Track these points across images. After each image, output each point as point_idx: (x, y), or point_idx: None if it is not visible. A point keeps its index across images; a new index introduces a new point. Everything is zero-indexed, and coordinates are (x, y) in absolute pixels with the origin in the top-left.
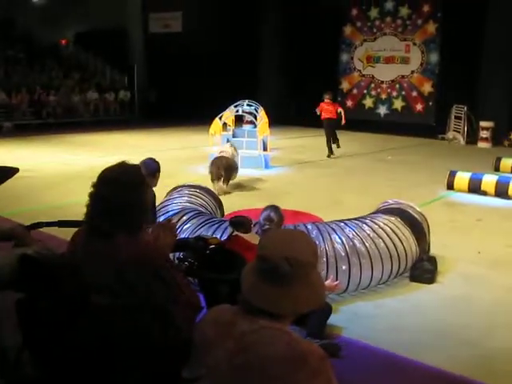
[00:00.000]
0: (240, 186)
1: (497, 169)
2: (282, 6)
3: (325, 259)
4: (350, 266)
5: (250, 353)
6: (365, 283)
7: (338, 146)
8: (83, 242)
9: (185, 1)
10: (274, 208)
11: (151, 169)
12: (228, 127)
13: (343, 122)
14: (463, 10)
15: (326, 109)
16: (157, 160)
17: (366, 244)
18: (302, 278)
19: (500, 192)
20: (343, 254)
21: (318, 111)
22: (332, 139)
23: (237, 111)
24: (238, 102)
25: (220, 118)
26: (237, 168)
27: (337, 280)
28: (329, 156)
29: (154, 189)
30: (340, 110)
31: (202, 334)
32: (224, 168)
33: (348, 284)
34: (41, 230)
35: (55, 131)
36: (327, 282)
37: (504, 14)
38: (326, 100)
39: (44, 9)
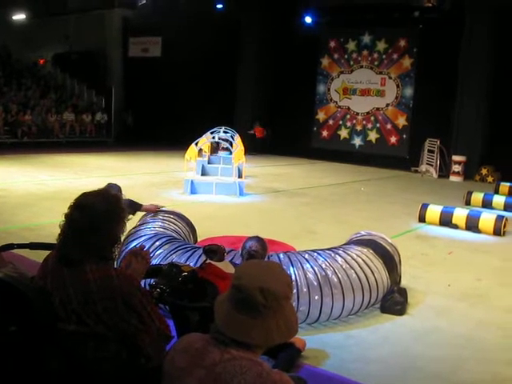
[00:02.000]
0: (214, 213)
1: (468, 203)
2: (260, 35)
3: (295, 290)
4: (322, 295)
5: (220, 383)
6: (336, 313)
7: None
8: (52, 266)
9: (164, 27)
10: (258, 239)
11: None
12: (204, 153)
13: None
14: (438, 47)
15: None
16: (118, 185)
17: (339, 274)
18: (275, 309)
19: (470, 226)
20: (315, 283)
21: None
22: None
23: (213, 138)
24: (215, 129)
25: (196, 144)
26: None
27: (309, 310)
28: None
29: None
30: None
31: (172, 363)
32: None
33: (320, 314)
34: (12, 251)
35: (30, 151)
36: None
37: (477, 50)
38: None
39: (23, 28)
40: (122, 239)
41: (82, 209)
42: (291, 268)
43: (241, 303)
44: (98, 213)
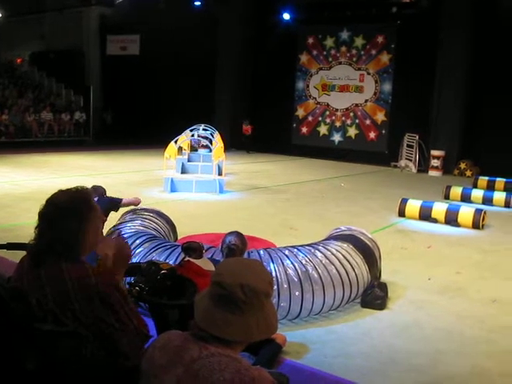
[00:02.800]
0: (194, 211)
1: (447, 197)
2: (238, 32)
3: (276, 287)
4: (302, 291)
5: (198, 379)
6: (317, 309)
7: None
8: (28, 266)
9: (142, 24)
10: (237, 234)
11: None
12: (183, 151)
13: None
14: (416, 42)
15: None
16: (102, 187)
17: (319, 270)
18: (255, 306)
19: (450, 219)
20: (296, 279)
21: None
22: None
23: (192, 135)
24: (194, 126)
25: (175, 142)
26: None
27: (290, 306)
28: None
29: None
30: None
31: (151, 360)
32: None
33: (300, 310)
34: None
35: (7, 151)
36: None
37: (455, 46)
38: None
39: (0, 26)
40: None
41: (53, 206)
42: (271, 264)
43: (221, 299)
44: (60, 208)
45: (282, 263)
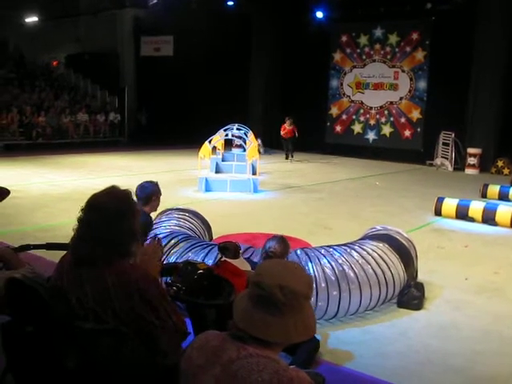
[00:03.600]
0: (229, 210)
1: (484, 195)
2: (271, 32)
3: (314, 285)
4: (340, 291)
5: (237, 380)
6: (353, 309)
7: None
8: (68, 266)
9: (176, 25)
10: (279, 239)
11: (148, 192)
12: (217, 151)
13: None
14: (451, 38)
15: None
16: (156, 183)
17: (355, 269)
18: (294, 308)
19: (487, 218)
20: (333, 278)
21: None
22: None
23: (226, 135)
24: (228, 126)
25: (210, 142)
26: None
27: (328, 305)
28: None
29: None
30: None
31: (189, 360)
32: None
33: (338, 309)
34: (29, 251)
35: (45, 152)
36: None
37: (491, 42)
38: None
39: (36, 30)
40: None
41: (96, 210)
42: (309, 263)
43: (260, 300)
44: (110, 212)
45: (320, 262)
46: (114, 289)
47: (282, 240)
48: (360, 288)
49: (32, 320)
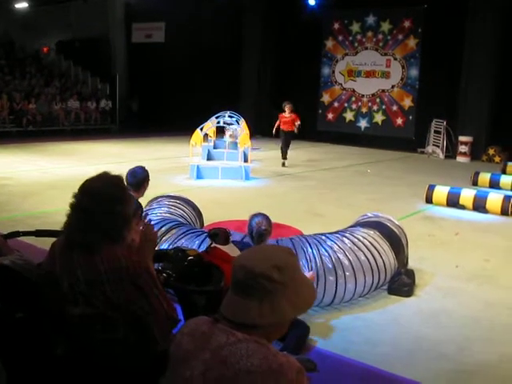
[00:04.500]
0: (220, 197)
1: (475, 183)
2: (264, 18)
3: (315, 271)
4: (336, 278)
5: (226, 365)
6: (348, 296)
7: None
8: (60, 251)
9: (167, 12)
10: (263, 215)
11: (139, 178)
12: (209, 138)
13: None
14: (443, 27)
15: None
16: (146, 168)
17: (349, 257)
18: (285, 284)
19: (478, 206)
20: (330, 265)
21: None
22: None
23: (218, 122)
24: (220, 113)
25: (201, 129)
26: None
27: (324, 292)
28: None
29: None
30: (298, 122)
31: (179, 346)
32: None
33: (334, 297)
34: (18, 238)
35: (35, 139)
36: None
37: (483, 31)
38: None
39: (26, 16)
40: None
41: (89, 195)
42: (309, 249)
43: (243, 286)
44: (104, 196)
45: (318, 249)
46: (105, 273)
47: (266, 215)
48: (355, 275)
49: (22, 306)
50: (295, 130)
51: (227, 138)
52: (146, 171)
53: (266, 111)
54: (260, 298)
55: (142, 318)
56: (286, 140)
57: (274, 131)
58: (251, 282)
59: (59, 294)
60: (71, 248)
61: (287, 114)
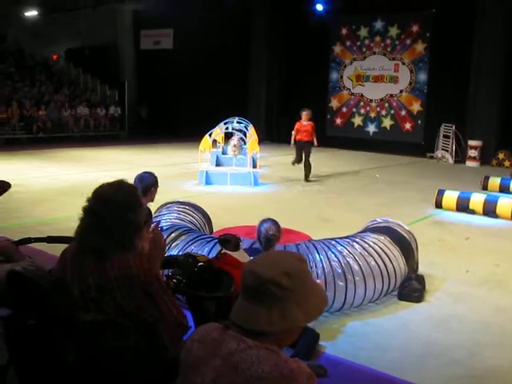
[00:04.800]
0: (229, 203)
1: (485, 188)
2: (272, 24)
3: (323, 277)
4: (346, 283)
5: (237, 372)
6: (358, 301)
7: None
8: (72, 258)
9: (175, 18)
10: (273, 221)
11: (147, 183)
12: (218, 144)
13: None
14: (451, 31)
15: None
16: (154, 174)
17: (360, 262)
18: (302, 288)
19: (488, 211)
20: (340, 271)
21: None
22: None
23: (226, 128)
24: (228, 120)
25: (210, 135)
26: None
27: (334, 298)
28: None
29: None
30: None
31: (190, 352)
32: None
33: (344, 302)
34: (29, 245)
35: (45, 146)
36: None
37: (491, 34)
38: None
39: (36, 24)
40: None
41: (103, 200)
42: (317, 255)
43: (247, 293)
44: (117, 203)
45: (327, 254)
46: (115, 281)
47: (275, 221)
48: (364, 280)
49: (34, 313)
50: (314, 142)
51: (230, 150)
52: (155, 176)
53: (274, 117)
54: (269, 305)
55: (152, 325)
56: (306, 152)
57: (292, 142)
58: (260, 288)
59: (69, 300)
60: (83, 253)
61: (304, 121)
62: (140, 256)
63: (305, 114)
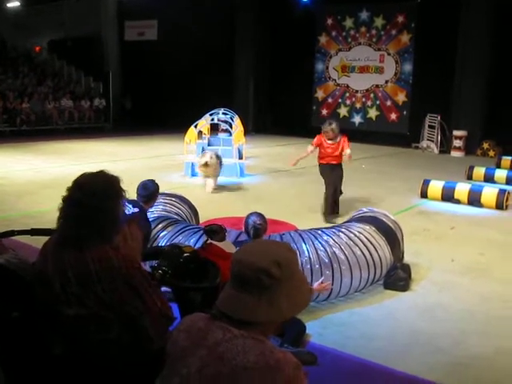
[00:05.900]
0: (215, 194)
1: (469, 177)
2: (256, 15)
3: (309, 266)
4: (333, 272)
5: (222, 362)
6: (344, 291)
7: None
8: (52, 250)
9: (160, 9)
10: (259, 214)
11: (151, 190)
12: (203, 135)
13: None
14: (436, 21)
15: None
16: (155, 181)
17: (345, 251)
18: (289, 279)
19: (473, 200)
20: (326, 260)
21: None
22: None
23: (212, 119)
24: (214, 111)
25: (195, 127)
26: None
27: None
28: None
29: None
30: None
31: (176, 343)
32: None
33: (330, 291)
34: (13, 238)
35: (29, 139)
36: (316, 284)
37: (476, 25)
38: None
39: (18, 15)
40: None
41: (82, 188)
42: (303, 245)
43: (241, 281)
44: (99, 191)
45: (313, 244)
46: (96, 274)
47: (260, 213)
48: (351, 269)
49: (17, 305)
50: (346, 160)
51: (198, 170)
52: (157, 184)
53: (261, 108)
54: (258, 294)
55: (137, 317)
56: (334, 181)
57: (295, 162)
58: (250, 277)
59: (52, 294)
60: (63, 245)
61: (330, 136)
62: (117, 248)
63: (332, 129)
